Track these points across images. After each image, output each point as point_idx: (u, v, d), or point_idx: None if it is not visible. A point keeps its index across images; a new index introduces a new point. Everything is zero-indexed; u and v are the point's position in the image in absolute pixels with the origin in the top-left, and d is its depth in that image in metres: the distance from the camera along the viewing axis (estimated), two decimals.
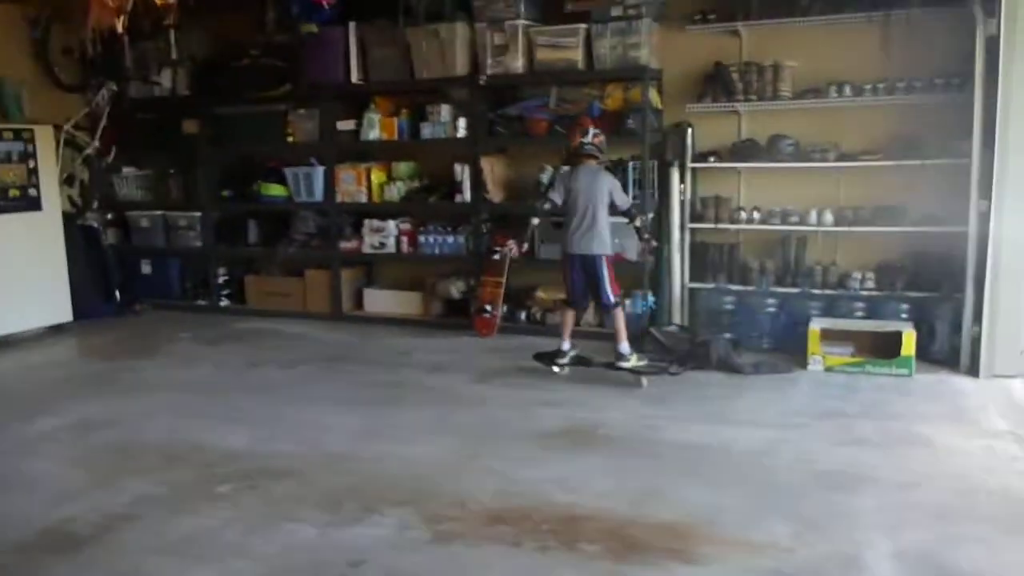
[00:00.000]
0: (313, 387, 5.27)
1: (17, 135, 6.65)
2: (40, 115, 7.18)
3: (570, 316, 5.42)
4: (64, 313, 7.00)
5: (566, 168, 5.45)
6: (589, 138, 5.24)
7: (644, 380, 5.10)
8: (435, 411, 4.71)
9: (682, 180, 6.18)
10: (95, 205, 7.65)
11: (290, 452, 4.09)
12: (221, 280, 7.66)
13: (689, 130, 6.15)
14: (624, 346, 5.16)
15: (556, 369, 5.33)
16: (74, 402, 4.99)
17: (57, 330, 6.94)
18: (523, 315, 6.50)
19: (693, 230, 6.24)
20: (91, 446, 4.29)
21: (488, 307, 6.36)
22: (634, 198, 5.99)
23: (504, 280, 6.38)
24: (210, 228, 7.57)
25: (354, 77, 6.75)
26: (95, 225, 7.63)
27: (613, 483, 3.65)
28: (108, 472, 3.88)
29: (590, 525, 3.21)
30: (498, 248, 6.40)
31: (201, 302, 7.70)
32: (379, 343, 6.34)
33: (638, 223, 5.42)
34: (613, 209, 5.26)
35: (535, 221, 5.44)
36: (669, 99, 6.30)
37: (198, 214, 7.61)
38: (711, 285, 6.12)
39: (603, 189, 5.16)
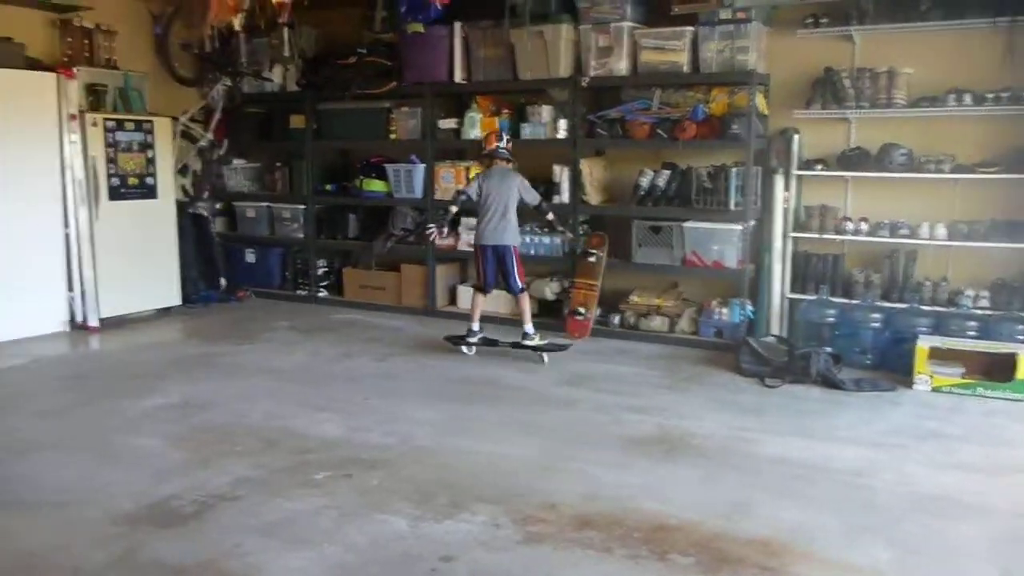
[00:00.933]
0: (405, 380, 5.35)
1: (138, 126, 6.99)
2: (159, 108, 7.52)
3: (480, 300, 6.00)
4: (173, 297, 7.34)
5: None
6: (504, 143, 5.93)
7: (545, 357, 5.75)
8: (524, 411, 4.72)
9: (786, 188, 6.04)
10: (205, 195, 7.97)
11: (382, 443, 4.16)
12: (320, 271, 7.87)
13: (795, 137, 6.00)
14: (529, 327, 5.85)
15: (465, 349, 5.95)
16: (179, 383, 5.22)
17: (166, 312, 7.27)
18: (616, 319, 6.45)
19: (796, 239, 6.09)
20: (193, 426, 4.46)
21: (581, 309, 6.34)
22: (736, 205, 5.88)
23: (598, 283, 6.35)
24: (312, 220, 7.78)
25: (457, 76, 6.83)
26: (205, 214, 7.94)
27: (705, 494, 3.59)
28: (210, 452, 4.03)
29: (681, 536, 3.17)
30: (593, 250, 6.38)
31: (300, 292, 7.93)
32: None
33: (550, 216, 6.02)
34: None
35: (453, 209, 6.11)
36: (775, 104, 6.16)
37: (301, 206, 7.84)
38: (812, 296, 5.94)
39: (513, 188, 5.81)
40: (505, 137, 6.00)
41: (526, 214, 6.10)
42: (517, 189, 5.81)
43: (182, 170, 7.77)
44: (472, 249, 6.21)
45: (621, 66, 6.20)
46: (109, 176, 6.77)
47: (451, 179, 7.02)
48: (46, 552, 3.07)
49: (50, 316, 6.51)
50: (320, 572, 2.91)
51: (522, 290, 5.88)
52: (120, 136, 6.85)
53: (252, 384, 5.21)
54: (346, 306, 7.59)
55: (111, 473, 3.79)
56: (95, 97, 7.08)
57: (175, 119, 7.52)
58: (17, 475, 3.76)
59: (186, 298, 7.46)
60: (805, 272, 6.06)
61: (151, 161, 7.08)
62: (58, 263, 6.54)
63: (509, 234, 5.79)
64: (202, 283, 7.76)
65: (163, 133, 7.21)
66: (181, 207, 7.56)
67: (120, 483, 3.66)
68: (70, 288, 6.62)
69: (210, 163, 7.96)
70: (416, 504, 3.43)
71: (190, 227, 7.70)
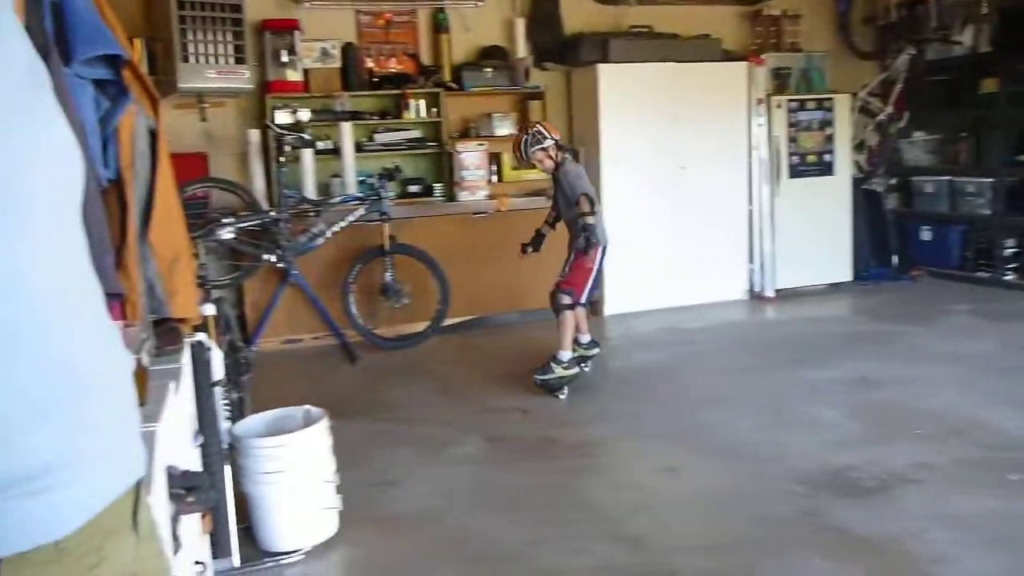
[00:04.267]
0: None
1: (819, 105, 7.19)
2: (838, 85, 7.60)
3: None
4: (844, 273, 7.39)
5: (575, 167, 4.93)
6: None
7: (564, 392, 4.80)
8: None
9: None
10: (881, 170, 7.81)
11: None
12: (1007, 252, 7.06)
13: None
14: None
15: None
16: (850, 357, 5.23)
17: (836, 288, 7.36)
18: None
19: None
20: (867, 402, 4.44)
21: None
22: None
23: None
24: (1001, 195, 7.01)
25: None
26: (878, 190, 7.80)
27: None
28: (887, 431, 3.97)
29: None
30: None
31: (981, 274, 7.23)
32: None
33: None
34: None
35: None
36: None
37: (988, 180, 7.11)
38: None
39: None
40: None
41: None
42: None
43: (858, 146, 7.74)
44: None
45: None
46: (789, 155, 7.11)
47: None
48: (736, 496, 3.40)
49: (732, 285, 7.13)
50: None
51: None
52: (801, 116, 7.14)
53: (930, 367, 4.96)
54: None
55: (789, 435, 4.01)
56: (779, 80, 7.47)
57: (854, 95, 7.51)
58: (708, 423, 4.23)
59: (856, 274, 7.45)
60: None
61: (829, 139, 7.22)
62: (742, 237, 7.13)
63: None
64: (873, 260, 7.65)
65: (842, 110, 7.28)
66: (855, 183, 7.55)
67: (798, 445, 3.85)
68: (751, 260, 7.17)
69: (887, 137, 7.75)
70: None
71: (863, 203, 7.64)
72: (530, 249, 5.09)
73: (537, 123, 4.96)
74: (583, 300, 4.79)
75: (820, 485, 3.40)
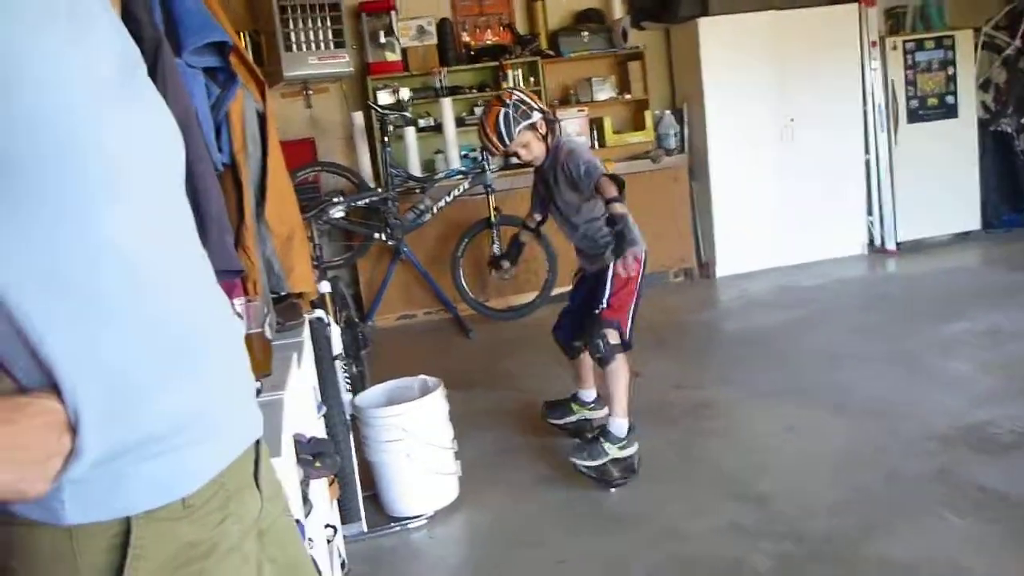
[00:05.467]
0: None
1: (938, 44, 6.76)
2: (960, 20, 7.13)
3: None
4: (972, 221, 6.97)
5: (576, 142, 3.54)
6: None
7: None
8: None
9: None
10: (1010, 110, 7.30)
11: None
12: None
13: None
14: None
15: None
16: (984, 309, 4.94)
17: (963, 237, 6.96)
18: None
19: None
20: (1003, 355, 4.19)
21: None
22: None
23: None
24: None
25: None
26: (1008, 130, 7.28)
27: None
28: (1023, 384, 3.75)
29: None
30: None
31: None
32: None
33: None
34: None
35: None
36: None
37: None
38: None
39: None
40: None
41: None
42: None
43: (984, 85, 7.26)
44: None
45: None
46: (908, 99, 6.74)
47: None
48: (865, 454, 3.28)
49: (850, 239, 6.82)
50: None
51: None
52: (919, 57, 6.73)
53: None
54: None
55: (922, 391, 3.83)
56: (894, 20, 7.08)
57: (977, 30, 7.02)
58: (832, 382, 4.08)
59: (986, 223, 7.01)
60: None
61: (951, 79, 6.79)
62: (859, 188, 6.80)
63: None
64: (1004, 207, 7.17)
65: (964, 47, 6.82)
66: (982, 125, 7.08)
67: (932, 402, 3.68)
68: (869, 213, 6.85)
69: (1016, 73, 7.23)
70: None
71: (991, 146, 7.16)
72: (506, 263, 3.83)
73: (514, 89, 3.52)
74: (628, 336, 3.24)
75: (955, 442, 3.25)
